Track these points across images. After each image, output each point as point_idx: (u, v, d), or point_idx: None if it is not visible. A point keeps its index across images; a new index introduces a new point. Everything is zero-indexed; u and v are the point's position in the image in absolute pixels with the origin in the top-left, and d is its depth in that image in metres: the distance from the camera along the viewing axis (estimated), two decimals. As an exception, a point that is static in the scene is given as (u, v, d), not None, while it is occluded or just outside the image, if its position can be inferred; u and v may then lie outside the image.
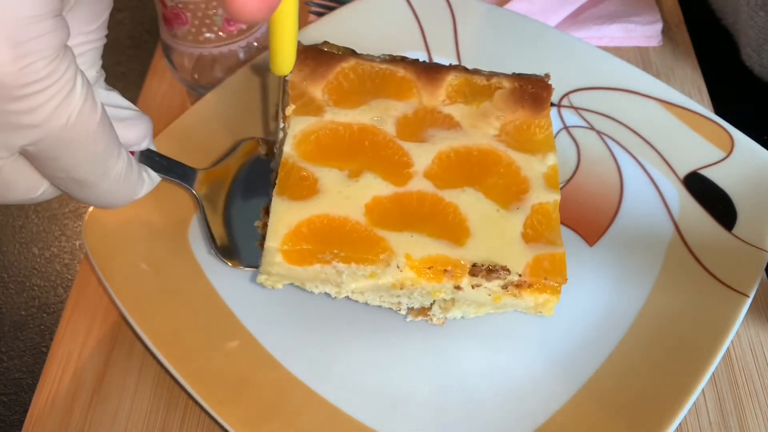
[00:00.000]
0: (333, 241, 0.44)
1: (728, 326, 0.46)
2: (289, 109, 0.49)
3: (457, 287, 0.45)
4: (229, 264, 0.49)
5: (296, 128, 0.49)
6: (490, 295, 0.46)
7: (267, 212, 0.48)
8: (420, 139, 0.49)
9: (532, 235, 0.46)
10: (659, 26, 0.68)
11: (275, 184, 0.47)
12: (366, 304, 0.48)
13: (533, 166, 0.48)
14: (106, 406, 0.47)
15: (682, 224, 0.53)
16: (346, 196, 0.46)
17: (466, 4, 0.63)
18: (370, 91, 0.51)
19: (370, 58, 0.53)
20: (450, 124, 0.50)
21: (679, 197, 0.54)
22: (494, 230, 0.46)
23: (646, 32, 0.68)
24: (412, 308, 0.48)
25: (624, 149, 0.57)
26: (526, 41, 0.62)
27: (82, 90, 0.31)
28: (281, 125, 0.50)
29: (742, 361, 0.49)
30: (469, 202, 0.47)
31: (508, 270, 0.44)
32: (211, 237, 0.49)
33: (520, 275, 0.44)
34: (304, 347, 0.48)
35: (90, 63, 0.37)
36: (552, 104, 0.54)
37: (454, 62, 0.62)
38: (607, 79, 0.59)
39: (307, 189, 0.46)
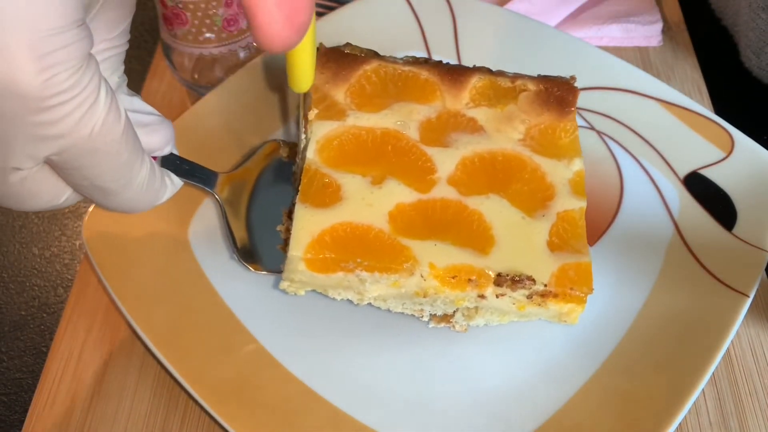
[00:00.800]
0: (356, 250, 0.44)
1: (728, 326, 0.46)
2: (312, 114, 0.49)
3: (481, 296, 0.45)
4: (251, 269, 0.49)
5: (319, 133, 0.48)
6: (514, 304, 0.45)
7: (289, 216, 0.47)
8: (443, 143, 0.49)
9: (557, 243, 0.45)
10: (659, 26, 0.68)
11: (298, 189, 0.46)
12: (389, 310, 0.48)
13: (558, 172, 0.48)
14: (106, 406, 0.47)
15: (682, 224, 0.53)
16: (370, 203, 0.45)
17: (466, 4, 0.63)
18: (393, 94, 0.50)
19: (392, 59, 0.52)
20: (474, 128, 0.49)
21: (679, 197, 0.54)
22: (519, 238, 0.45)
23: (646, 32, 0.68)
24: (435, 315, 0.48)
25: (624, 149, 0.57)
26: (526, 41, 0.62)
27: (106, 99, 0.31)
28: (303, 133, 0.49)
29: (742, 361, 0.49)
30: (494, 210, 0.46)
31: (533, 280, 0.43)
32: (233, 241, 0.49)
33: (545, 285, 0.44)
34: (304, 347, 0.48)
35: (113, 69, 0.37)
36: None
37: (454, 62, 0.62)
38: (607, 79, 0.59)
39: (330, 196, 0.46)
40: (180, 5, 0.54)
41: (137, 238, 0.50)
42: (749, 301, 0.47)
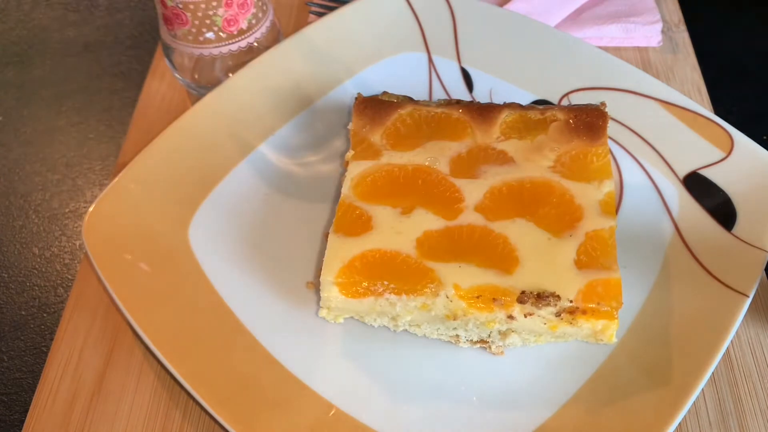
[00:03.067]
0: (383, 274, 0.45)
1: (728, 326, 0.46)
2: (349, 155, 0.52)
3: (510, 316, 0.45)
4: None
5: (354, 172, 0.51)
6: (545, 323, 0.46)
7: None
8: (473, 175, 0.50)
9: (585, 261, 0.46)
10: (659, 26, 0.68)
11: None
12: (425, 336, 0.49)
13: (588, 194, 0.49)
14: (106, 406, 0.47)
15: (682, 224, 0.53)
16: (398, 231, 0.47)
17: (466, 4, 0.63)
18: (426, 134, 0.53)
19: (426, 103, 0.54)
20: (503, 159, 0.51)
21: (678, 197, 0.54)
22: (544, 258, 0.46)
23: (646, 32, 0.68)
24: (471, 340, 0.48)
25: (624, 149, 0.57)
26: (526, 41, 0.62)
27: None
28: None
29: (742, 361, 0.49)
30: (520, 233, 0.47)
31: (557, 296, 0.44)
32: None
33: (571, 301, 0.44)
34: (303, 346, 0.48)
35: None
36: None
37: (454, 62, 0.62)
38: (607, 79, 0.59)
39: (361, 226, 0.48)
40: (180, 5, 0.54)
41: (137, 238, 0.50)
42: (749, 301, 0.47)
